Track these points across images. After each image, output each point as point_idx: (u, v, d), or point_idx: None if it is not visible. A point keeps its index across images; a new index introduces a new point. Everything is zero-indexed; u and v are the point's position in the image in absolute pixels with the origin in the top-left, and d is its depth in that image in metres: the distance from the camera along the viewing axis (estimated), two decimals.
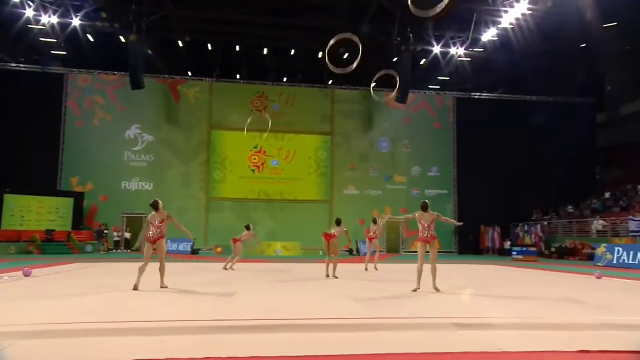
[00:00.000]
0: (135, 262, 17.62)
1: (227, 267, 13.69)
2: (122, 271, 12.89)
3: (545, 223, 27.04)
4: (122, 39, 25.69)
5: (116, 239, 26.02)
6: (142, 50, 22.88)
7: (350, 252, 25.82)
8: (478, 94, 31.09)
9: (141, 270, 8.51)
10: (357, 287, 9.84)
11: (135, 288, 8.31)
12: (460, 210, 29.64)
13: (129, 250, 25.35)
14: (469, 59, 28.89)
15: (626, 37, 28.24)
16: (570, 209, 28.68)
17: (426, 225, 9.04)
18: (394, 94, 25.97)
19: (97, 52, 27.51)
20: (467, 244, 29.09)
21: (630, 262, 17.65)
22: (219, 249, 23.53)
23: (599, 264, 18.71)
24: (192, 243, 23.68)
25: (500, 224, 28.76)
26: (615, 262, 18.24)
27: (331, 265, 11.83)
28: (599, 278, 12.17)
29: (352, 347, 4.54)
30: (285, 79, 29.69)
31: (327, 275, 11.71)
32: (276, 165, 28.46)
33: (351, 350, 4.39)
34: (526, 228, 26.51)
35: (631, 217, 21.63)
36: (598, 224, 24.17)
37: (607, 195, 27.60)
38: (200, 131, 28.26)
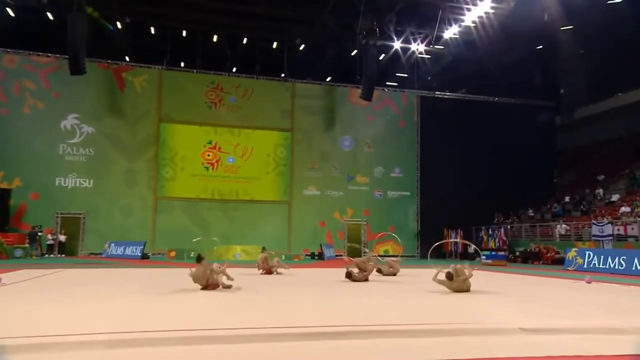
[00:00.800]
0: (78, 267, 15.68)
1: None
2: (98, 277, 11.97)
3: (509, 226, 27.15)
4: (50, 16, 23.35)
5: (49, 242, 23.48)
6: (83, 30, 20.56)
7: (313, 255, 24.89)
8: (442, 92, 30.92)
9: None
10: (388, 291, 9.72)
11: None
12: (422, 212, 29.33)
13: (63, 255, 23.02)
14: (429, 56, 28.73)
15: (581, 40, 28.94)
16: (530, 212, 28.99)
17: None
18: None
19: (25, 29, 24.84)
20: (429, 248, 28.69)
21: (601, 266, 17.69)
22: (172, 253, 22.03)
23: (569, 268, 18.74)
24: (142, 247, 21.95)
25: (463, 227, 28.65)
26: (585, 266, 18.23)
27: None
28: (589, 282, 12.06)
29: (437, 352, 4.55)
30: (242, 70, 28.20)
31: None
32: (232, 162, 26.97)
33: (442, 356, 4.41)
34: (490, 231, 26.50)
35: (594, 222, 21.93)
36: (561, 228, 24.38)
37: (567, 199, 28.10)
38: (148, 124, 26.19)
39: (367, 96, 25.90)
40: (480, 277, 12.14)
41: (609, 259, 17.57)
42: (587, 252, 18.55)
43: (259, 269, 13.39)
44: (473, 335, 5.15)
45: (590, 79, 32.95)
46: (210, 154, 26.76)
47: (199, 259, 8.63)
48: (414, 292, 9.28)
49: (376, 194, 28.73)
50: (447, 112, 30.23)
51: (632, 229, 20.68)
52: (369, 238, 28.34)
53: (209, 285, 8.69)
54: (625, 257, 17.09)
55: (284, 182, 27.51)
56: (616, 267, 17.14)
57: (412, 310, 6.92)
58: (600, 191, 26.51)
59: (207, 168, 26.62)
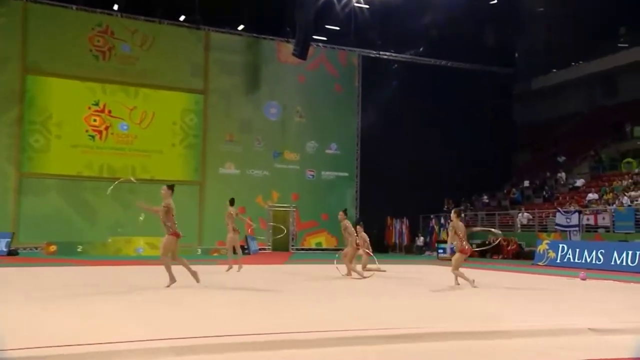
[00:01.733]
0: None
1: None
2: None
3: (463, 215, 27.06)
4: None
5: None
6: None
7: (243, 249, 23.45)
8: (387, 53, 30.08)
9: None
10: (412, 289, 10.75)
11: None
12: (362, 197, 28.56)
13: None
14: (368, 7, 27.80)
15: None
16: (485, 198, 29.18)
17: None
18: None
19: None
20: (370, 240, 28.08)
21: (576, 260, 17.85)
22: (53, 247, 20.21)
23: (540, 263, 18.93)
24: (9, 239, 19.63)
25: (409, 215, 28.27)
26: (558, 260, 18.46)
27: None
28: (584, 279, 12.54)
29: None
30: (139, 11, 25.52)
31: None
32: (126, 130, 24.74)
33: None
34: (442, 221, 26.26)
35: (560, 210, 22.19)
36: (523, 217, 24.54)
37: (526, 183, 28.51)
38: (8, 75, 23.09)
39: (302, 53, 24.43)
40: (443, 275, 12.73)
41: (585, 253, 17.75)
42: (560, 245, 18.68)
43: None
44: (548, 336, 5.61)
45: (549, 43, 33.74)
46: (97, 118, 24.32)
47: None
48: (440, 291, 9.86)
49: (308, 175, 27.77)
50: (393, 77, 29.44)
51: (603, 218, 21.14)
52: (299, 228, 27.14)
53: None
54: (603, 251, 17.35)
55: (194, 157, 25.81)
56: (593, 261, 17.43)
57: (467, 311, 7.37)
58: (563, 175, 26.99)
59: (92, 137, 24.23)
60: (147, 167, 24.77)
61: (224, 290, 9.20)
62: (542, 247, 19.25)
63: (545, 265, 18.48)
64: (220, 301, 7.85)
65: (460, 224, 10.28)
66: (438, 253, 22.30)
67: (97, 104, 24.28)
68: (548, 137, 32.42)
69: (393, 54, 30.03)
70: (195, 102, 25.92)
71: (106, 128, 24.39)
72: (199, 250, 22.05)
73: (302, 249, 26.71)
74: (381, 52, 29.70)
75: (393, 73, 29.67)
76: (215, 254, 21.55)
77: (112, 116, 24.52)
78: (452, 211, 10.71)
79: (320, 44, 28.19)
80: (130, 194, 24.30)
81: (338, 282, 11.29)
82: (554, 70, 33.56)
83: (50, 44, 23.54)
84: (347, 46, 28.99)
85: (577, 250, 18.10)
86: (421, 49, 30.83)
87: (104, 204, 23.67)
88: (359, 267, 12.46)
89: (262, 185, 26.63)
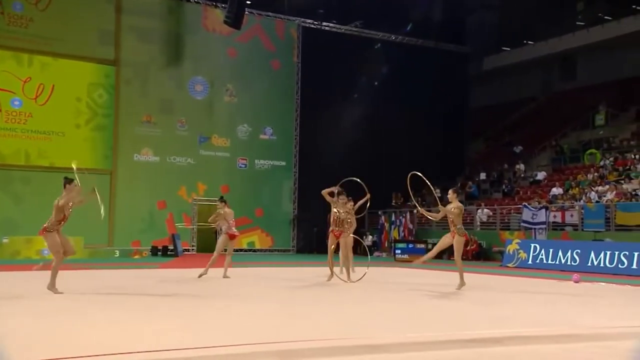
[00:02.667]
0: None
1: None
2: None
3: (414, 211, 27.60)
4: None
5: None
6: None
7: (157, 251, 22.81)
8: (329, 24, 30.04)
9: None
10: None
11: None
12: (300, 190, 28.51)
13: None
14: None
15: None
16: (438, 192, 29.81)
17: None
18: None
19: None
20: (310, 239, 28.22)
21: (550, 262, 18.71)
22: None
23: (509, 265, 19.70)
24: None
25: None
26: (530, 262, 19.24)
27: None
28: (577, 282, 13.29)
29: None
30: None
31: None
32: (19, 107, 23.58)
33: None
34: (393, 218, 26.68)
35: (527, 206, 23.12)
36: (482, 213, 25.35)
37: (482, 176, 29.52)
38: None
39: (235, 21, 23.96)
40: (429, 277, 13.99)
41: (559, 254, 18.60)
42: (532, 245, 19.42)
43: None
44: (617, 340, 6.35)
45: (502, 19, 34.95)
46: None
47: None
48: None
49: (240, 163, 27.50)
50: (336, 52, 29.31)
51: (572, 215, 22.24)
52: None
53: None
54: (579, 251, 18.24)
55: (104, 141, 25.00)
56: (569, 262, 18.25)
57: (527, 315, 8.20)
58: (522, 167, 28.11)
59: None
60: (46, 152, 23.72)
61: (229, 299, 9.53)
62: (512, 247, 19.97)
63: (516, 267, 19.22)
64: (246, 311, 8.14)
65: (461, 205, 10.98)
66: (395, 254, 22.60)
67: None
68: (501, 124, 33.69)
69: (337, 25, 30.01)
70: (105, 75, 24.94)
71: None
72: (117, 252, 21.25)
73: (242, 250, 26.12)
74: (323, 23, 29.60)
75: (336, 45, 29.51)
76: (137, 257, 20.85)
77: (2, 90, 23.18)
78: (450, 190, 11.36)
79: (254, 11, 27.68)
80: (24, 184, 23.29)
81: (327, 286, 11.86)
82: (507, 49, 34.67)
83: None
84: (284, 15, 28.73)
85: (551, 250, 18.92)
86: (365, 21, 30.96)
87: None
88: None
89: (185, 175, 26.10)
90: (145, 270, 15.71)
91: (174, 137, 25.99)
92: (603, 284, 13.43)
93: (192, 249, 25.88)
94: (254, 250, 26.72)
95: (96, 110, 24.72)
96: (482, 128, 34.02)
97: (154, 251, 23.06)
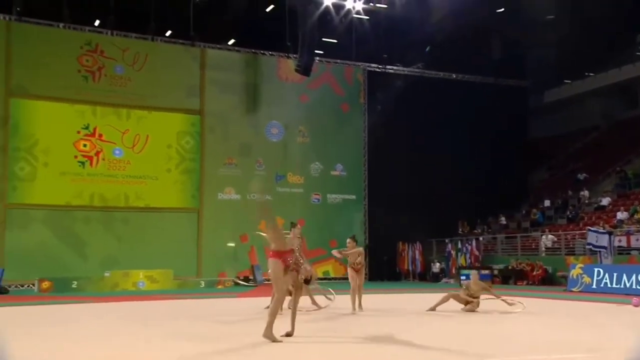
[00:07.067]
0: None
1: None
2: None
3: (481, 238, 26.96)
4: None
5: None
6: None
7: (239, 281, 23.21)
8: (393, 67, 30.17)
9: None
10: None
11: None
12: (371, 221, 28.43)
13: None
14: (368, 17, 28.09)
15: (550, 3, 29.50)
16: (503, 220, 29.09)
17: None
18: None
19: None
20: (381, 268, 27.95)
21: (614, 286, 17.73)
22: (46, 284, 19.90)
23: (574, 289, 18.86)
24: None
25: (421, 239, 28.11)
26: (594, 286, 18.34)
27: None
28: (637, 306, 12.86)
29: None
30: (130, 27, 25.54)
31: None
32: (120, 156, 24.54)
33: None
34: (459, 245, 26.12)
35: (591, 229, 22.00)
36: (547, 239, 24.46)
37: (547, 203, 28.50)
38: None
39: (306, 69, 24.48)
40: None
41: (624, 277, 17.57)
42: (596, 269, 18.49)
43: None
44: None
45: (561, 53, 33.94)
46: (88, 143, 24.11)
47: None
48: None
49: (313, 198, 27.64)
50: (400, 93, 29.41)
51: (637, 239, 21.06)
52: (306, 256, 26.80)
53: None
54: None
55: (191, 182, 25.65)
56: (634, 286, 17.15)
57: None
58: (586, 193, 27.05)
59: (82, 164, 23.96)
60: (142, 195, 24.58)
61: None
62: (576, 271, 19.06)
63: (580, 292, 18.34)
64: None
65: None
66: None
67: (87, 128, 24.09)
68: (564, 154, 32.54)
69: (400, 68, 30.15)
70: (191, 124, 25.84)
71: (97, 154, 24.19)
72: (202, 283, 21.79)
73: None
74: (387, 67, 29.79)
75: (400, 87, 29.65)
76: (220, 287, 21.29)
77: (103, 140, 24.33)
78: (349, 239, 13.14)
79: (323, 60, 28.20)
80: (124, 224, 24.32)
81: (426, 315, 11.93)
82: (568, 81, 33.77)
83: (36, 65, 23.38)
84: (350, 61, 29.13)
85: (615, 274, 17.93)
86: (426, 62, 31.01)
87: (95, 235, 23.61)
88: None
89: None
90: (223, 299, 15.68)
91: (253, 177, 26.46)
92: None
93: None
94: (329, 279, 26.66)
95: (184, 155, 25.59)
96: (545, 158, 32.97)
97: (240, 280, 23.32)
